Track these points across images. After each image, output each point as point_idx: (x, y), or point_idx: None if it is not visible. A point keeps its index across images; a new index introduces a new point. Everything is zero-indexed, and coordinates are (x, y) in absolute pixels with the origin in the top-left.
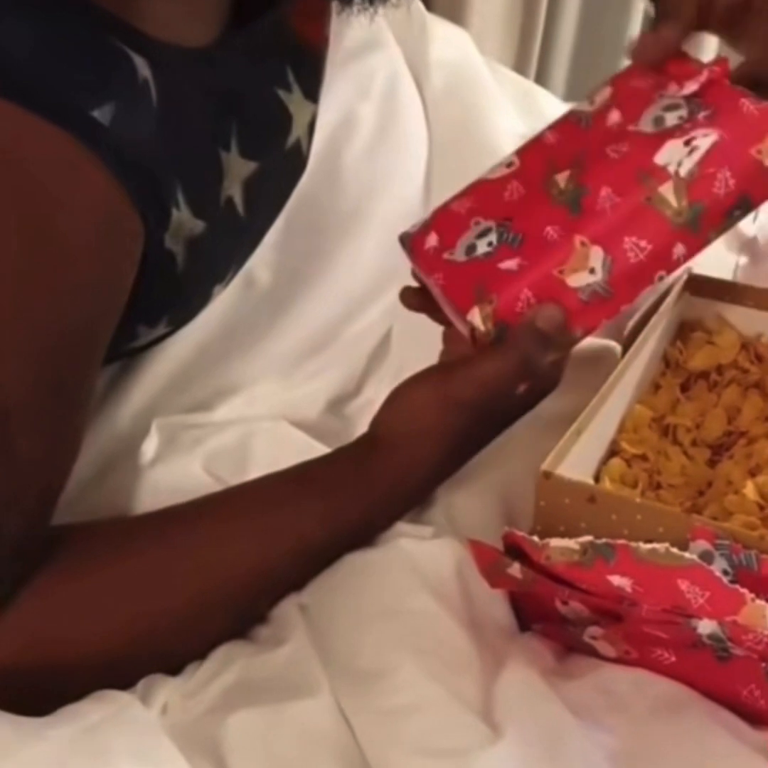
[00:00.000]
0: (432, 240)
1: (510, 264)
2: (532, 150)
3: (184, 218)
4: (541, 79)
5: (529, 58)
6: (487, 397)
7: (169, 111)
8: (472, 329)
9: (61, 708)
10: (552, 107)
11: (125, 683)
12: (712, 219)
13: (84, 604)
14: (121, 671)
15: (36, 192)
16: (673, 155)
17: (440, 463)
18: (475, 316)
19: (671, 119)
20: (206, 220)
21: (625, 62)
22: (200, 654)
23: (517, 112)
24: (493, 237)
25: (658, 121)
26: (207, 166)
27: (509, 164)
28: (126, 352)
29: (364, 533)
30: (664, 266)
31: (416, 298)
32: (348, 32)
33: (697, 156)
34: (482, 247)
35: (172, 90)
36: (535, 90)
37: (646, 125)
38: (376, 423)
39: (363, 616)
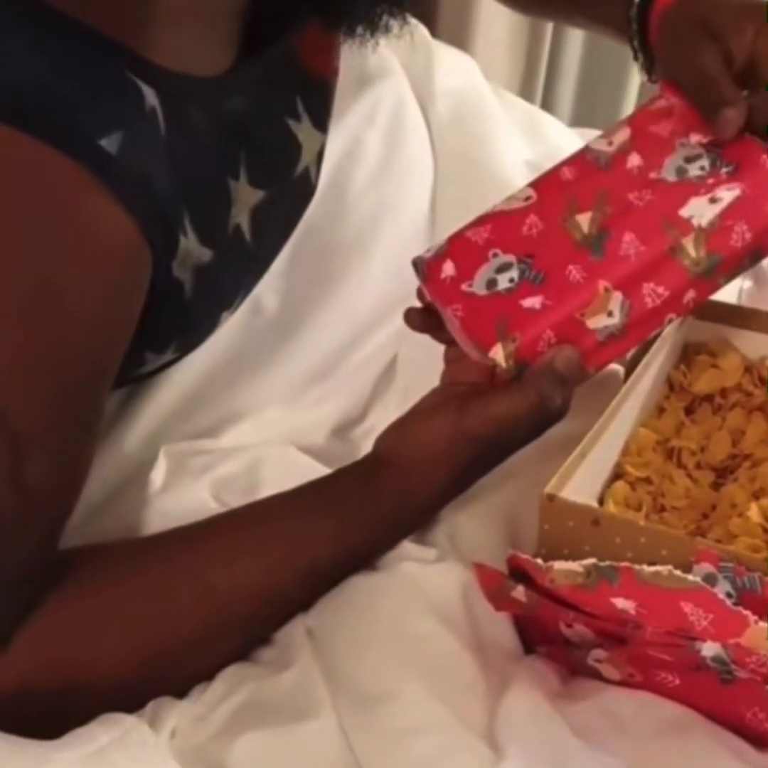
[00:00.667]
0: (449, 269)
1: (533, 302)
2: (549, 184)
3: (191, 246)
4: (547, 104)
5: (535, 83)
6: (500, 433)
7: (177, 140)
8: (494, 366)
9: (69, 731)
10: (558, 133)
11: (135, 705)
12: (726, 268)
13: (93, 626)
14: (130, 693)
15: (43, 220)
16: (696, 209)
17: (446, 488)
18: (498, 354)
19: (693, 170)
20: (214, 248)
21: (630, 86)
22: (209, 675)
23: (523, 138)
24: (514, 273)
25: (681, 171)
26: (215, 195)
27: (527, 198)
28: (133, 378)
29: (370, 553)
30: (676, 310)
31: (421, 319)
32: (354, 60)
33: (718, 208)
34: (503, 283)
35: (180, 119)
36: (541, 116)
37: (668, 174)
38: (382, 444)
39: (368, 639)
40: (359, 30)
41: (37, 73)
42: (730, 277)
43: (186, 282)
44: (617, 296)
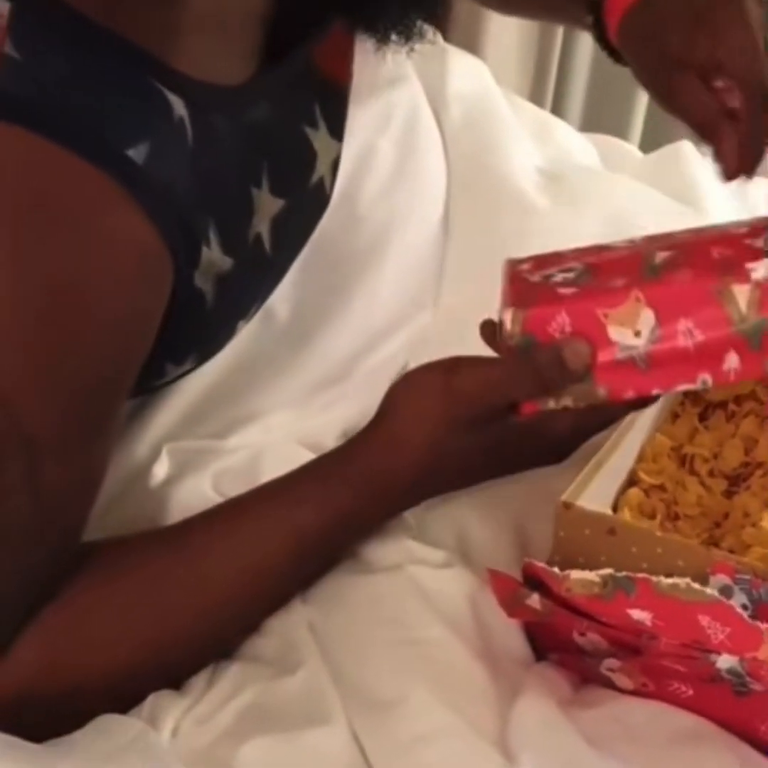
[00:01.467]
0: (526, 266)
1: (566, 291)
2: (659, 239)
3: (214, 256)
4: (557, 109)
5: (545, 88)
6: (488, 396)
7: (203, 150)
8: (501, 325)
9: (72, 735)
10: (568, 137)
11: (135, 697)
12: None
13: (95, 621)
14: (130, 684)
15: (66, 227)
16: (763, 268)
17: (433, 451)
18: (508, 315)
19: None
20: (234, 257)
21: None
22: (207, 662)
23: (534, 143)
24: (572, 274)
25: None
26: (238, 204)
27: (632, 241)
28: (153, 388)
29: (358, 522)
30: (711, 370)
31: (489, 330)
32: (368, 66)
33: None
34: (557, 277)
35: (207, 129)
36: (551, 121)
37: (760, 242)
38: (378, 411)
39: (377, 644)
40: (393, 36)
41: (63, 80)
42: None
43: (207, 292)
44: (648, 315)
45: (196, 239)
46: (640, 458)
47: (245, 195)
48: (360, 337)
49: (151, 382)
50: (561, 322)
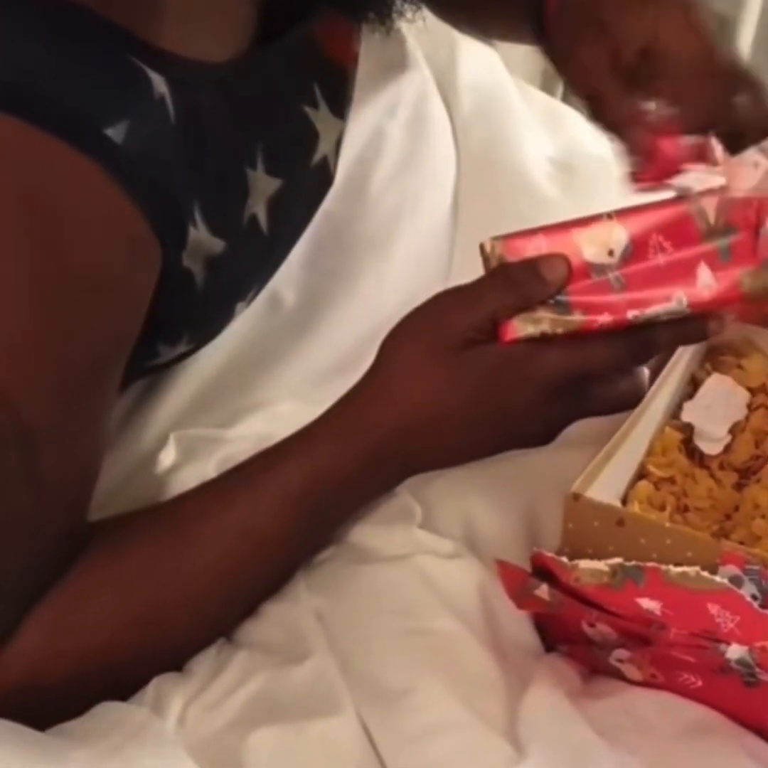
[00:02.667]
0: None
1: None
2: None
3: (202, 237)
4: (568, 98)
5: (557, 77)
6: (468, 317)
7: (188, 128)
8: (481, 248)
9: (77, 723)
10: (579, 127)
11: (138, 680)
12: (745, 256)
13: (94, 604)
14: (133, 667)
15: (46, 210)
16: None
17: (424, 399)
18: (487, 241)
19: None
20: (227, 239)
21: None
22: (209, 640)
23: (545, 132)
24: None
25: None
26: (230, 184)
27: None
28: (148, 369)
29: (350, 481)
30: (685, 287)
31: None
32: (376, 50)
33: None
34: None
35: (192, 107)
36: (562, 110)
37: None
38: (370, 367)
39: (385, 634)
40: (371, 14)
41: (41, 61)
42: (755, 278)
43: (197, 274)
44: (620, 232)
45: (181, 220)
46: (650, 452)
47: (238, 175)
48: (368, 324)
49: (145, 362)
50: (537, 244)
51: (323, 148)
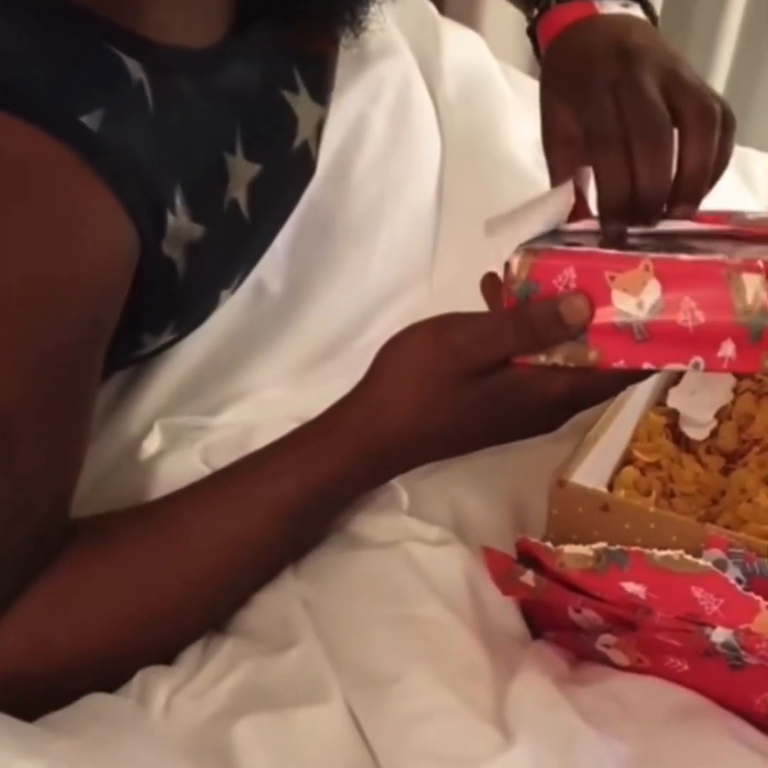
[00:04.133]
0: None
1: (581, 249)
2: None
3: (181, 224)
4: None
5: None
6: (479, 350)
7: (166, 114)
8: (507, 270)
9: (63, 714)
10: None
11: (124, 673)
12: None
13: (79, 601)
14: (120, 661)
15: (22, 200)
16: None
17: (421, 408)
18: (516, 259)
19: None
20: (206, 225)
21: None
22: (197, 636)
23: (532, 116)
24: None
25: None
26: (210, 170)
27: None
28: (134, 359)
29: (344, 484)
30: (705, 354)
31: (490, 285)
32: (360, 38)
33: None
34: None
35: (170, 93)
36: None
37: None
38: (365, 375)
39: (373, 621)
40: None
41: (16, 48)
42: None
43: (178, 261)
44: (654, 285)
45: (160, 207)
46: (635, 438)
47: (217, 161)
48: (353, 311)
49: (130, 352)
50: (567, 276)
51: (303, 132)
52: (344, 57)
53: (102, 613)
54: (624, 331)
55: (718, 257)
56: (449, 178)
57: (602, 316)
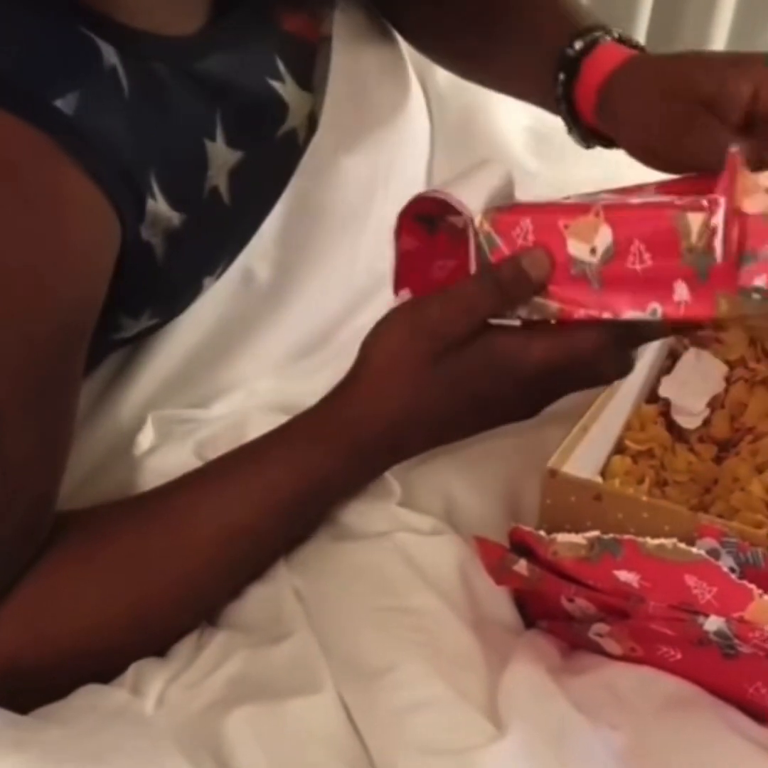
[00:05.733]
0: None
1: (541, 202)
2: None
3: (160, 210)
4: None
5: None
6: (456, 320)
7: (143, 100)
8: (471, 222)
9: (57, 705)
10: None
11: (119, 665)
12: (724, 280)
13: (74, 593)
14: (115, 653)
15: (1, 187)
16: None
17: (410, 398)
18: (478, 215)
19: None
20: (187, 212)
21: None
22: (191, 627)
23: (522, 104)
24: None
25: None
26: (188, 156)
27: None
28: (115, 342)
29: (339, 479)
30: (661, 299)
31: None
32: (348, 27)
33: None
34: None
35: (146, 78)
36: None
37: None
38: (352, 366)
39: (365, 612)
40: None
41: None
42: (733, 304)
43: (156, 246)
44: (605, 231)
45: (138, 192)
46: (628, 427)
47: (197, 147)
48: (342, 299)
49: (109, 335)
50: (524, 227)
51: (293, 121)
52: (335, 47)
53: (96, 605)
54: (580, 279)
55: (667, 199)
56: (439, 165)
57: (560, 266)
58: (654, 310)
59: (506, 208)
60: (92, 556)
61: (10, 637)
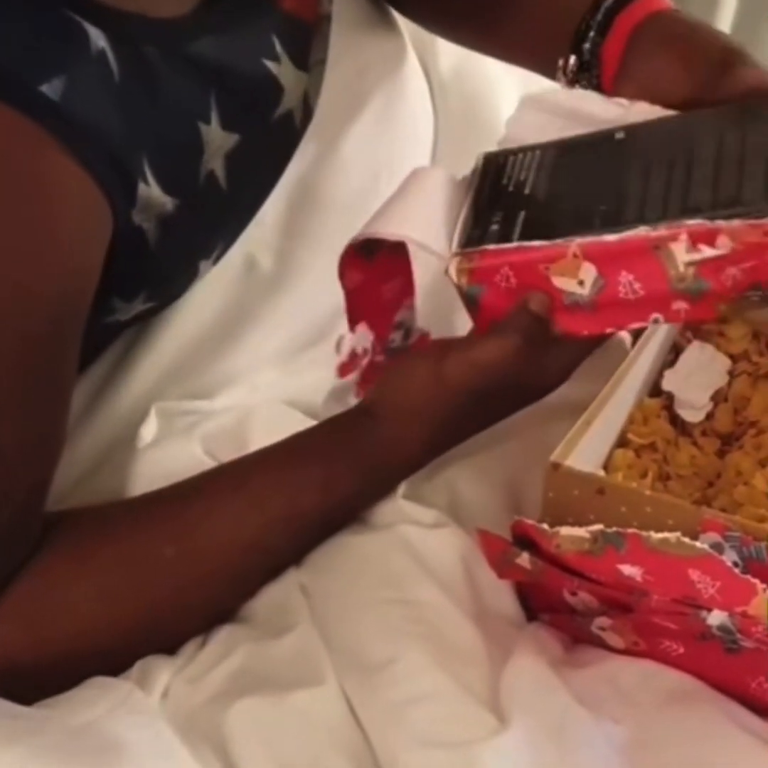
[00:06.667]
0: None
1: (507, 246)
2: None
3: (152, 194)
4: None
5: None
6: (484, 382)
7: (132, 83)
8: (446, 273)
9: (62, 696)
10: (558, 89)
11: (120, 668)
12: (720, 297)
13: (72, 595)
14: (115, 658)
15: None
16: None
17: (430, 442)
18: (453, 266)
19: None
20: (181, 197)
21: None
22: (198, 633)
23: (525, 91)
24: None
25: None
26: (182, 140)
27: None
28: (111, 326)
29: (358, 503)
30: (662, 311)
31: None
32: (351, 13)
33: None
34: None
35: (136, 62)
36: None
37: None
38: (370, 396)
39: (368, 605)
40: None
41: None
42: (736, 307)
43: (148, 231)
44: (589, 268)
45: (130, 176)
46: (630, 421)
47: (191, 131)
48: None
49: (102, 318)
50: (504, 274)
51: (288, 102)
52: (336, 32)
53: (95, 606)
54: (575, 308)
55: (641, 230)
56: (442, 155)
57: (553, 299)
58: (656, 319)
59: (475, 254)
60: (89, 556)
61: (7, 638)
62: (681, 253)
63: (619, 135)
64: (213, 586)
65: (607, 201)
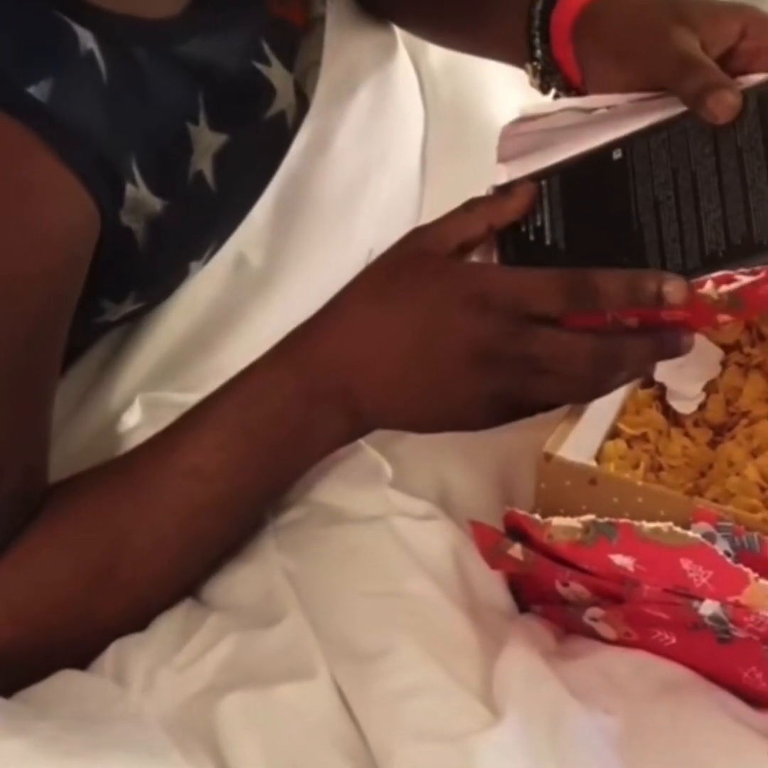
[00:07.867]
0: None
1: None
2: None
3: (141, 195)
4: None
5: None
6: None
7: (121, 85)
8: None
9: (42, 683)
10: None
11: (101, 643)
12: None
13: (47, 562)
14: (94, 629)
15: None
16: None
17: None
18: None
19: None
20: (170, 198)
21: None
22: (177, 596)
23: (517, 87)
24: None
25: None
26: (171, 141)
27: None
28: (101, 325)
29: (280, 411)
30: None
31: None
32: (341, 10)
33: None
34: None
35: (125, 63)
36: None
37: None
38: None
39: (359, 597)
40: None
41: None
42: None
43: (137, 232)
44: None
45: (118, 178)
46: (623, 411)
47: (179, 132)
48: (335, 284)
49: (92, 318)
50: None
51: (280, 104)
52: (327, 29)
53: (69, 574)
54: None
55: None
56: (433, 150)
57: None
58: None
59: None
60: (61, 526)
61: None
62: (711, 292)
63: (617, 154)
64: (177, 539)
65: (628, 251)
